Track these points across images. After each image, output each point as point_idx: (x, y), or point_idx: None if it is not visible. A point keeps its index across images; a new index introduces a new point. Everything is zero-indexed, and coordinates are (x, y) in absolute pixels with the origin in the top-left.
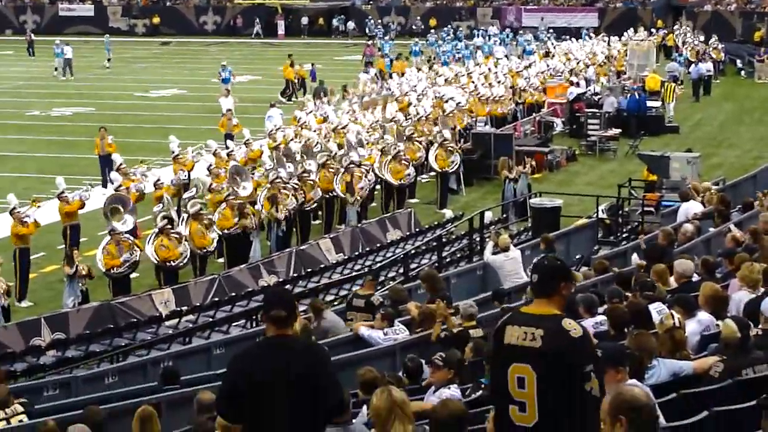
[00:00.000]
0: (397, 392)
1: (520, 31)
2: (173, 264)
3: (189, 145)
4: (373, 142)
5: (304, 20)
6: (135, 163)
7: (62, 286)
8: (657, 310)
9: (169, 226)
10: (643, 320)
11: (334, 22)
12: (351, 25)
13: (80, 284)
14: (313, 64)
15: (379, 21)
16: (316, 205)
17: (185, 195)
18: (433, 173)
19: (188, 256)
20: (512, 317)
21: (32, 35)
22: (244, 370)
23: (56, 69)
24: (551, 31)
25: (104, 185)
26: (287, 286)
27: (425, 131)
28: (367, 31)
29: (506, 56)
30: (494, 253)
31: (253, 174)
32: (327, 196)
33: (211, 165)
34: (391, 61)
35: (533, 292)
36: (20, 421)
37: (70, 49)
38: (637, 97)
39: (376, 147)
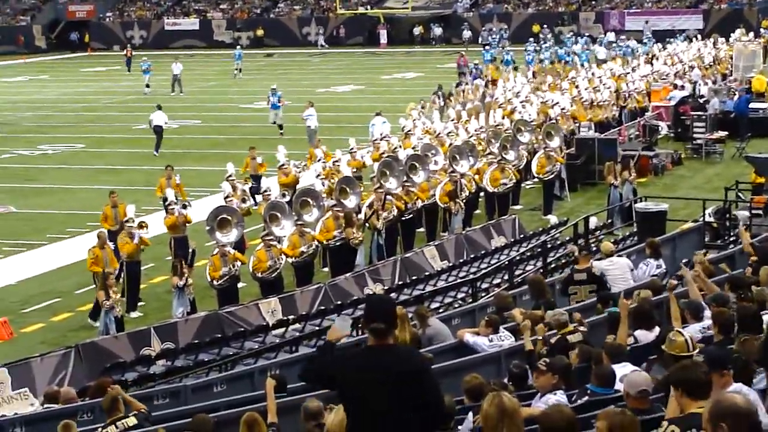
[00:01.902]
0: (508, 399)
1: (622, 36)
2: (261, 275)
3: (293, 157)
4: (481, 151)
5: (416, 30)
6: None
7: (170, 296)
8: None
9: (270, 237)
10: (752, 325)
11: (436, 30)
12: (438, 31)
13: (188, 294)
14: (274, 90)
15: (492, 28)
16: (412, 214)
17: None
18: (536, 179)
19: (278, 269)
20: None
21: (132, 51)
22: (345, 367)
23: (147, 86)
24: (649, 35)
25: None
26: (392, 294)
27: (532, 138)
28: (480, 39)
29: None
30: (598, 260)
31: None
32: (428, 203)
33: (319, 174)
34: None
35: None
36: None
37: (179, 66)
38: (744, 98)
39: (483, 155)
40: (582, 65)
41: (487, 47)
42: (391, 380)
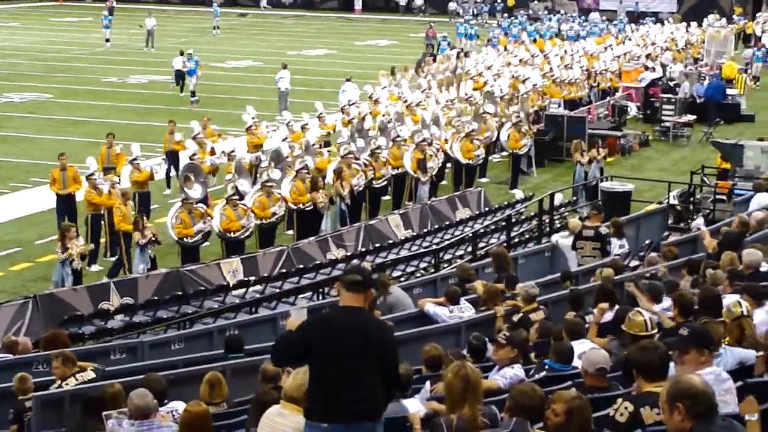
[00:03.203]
0: (472, 371)
1: (594, 14)
2: (233, 235)
3: (263, 118)
4: (448, 121)
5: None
6: (212, 133)
7: (132, 251)
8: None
9: (236, 197)
10: (712, 308)
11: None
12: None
13: (149, 251)
14: (190, 54)
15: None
16: (386, 181)
17: (262, 165)
18: (505, 153)
19: (251, 229)
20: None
21: (114, 1)
22: (319, 332)
23: (107, 40)
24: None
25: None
26: (355, 261)
27: (499, 111)
28: (460, 10)
29: (581, 37)
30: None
31: (326, 149)
32: (397, 172)
33: (285, 137)
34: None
35: None
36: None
37: (153, 21)
38: (716, 83)
39: (451, 126)
40: (551, 39)
41: (460, 20)
42: (363, 346)
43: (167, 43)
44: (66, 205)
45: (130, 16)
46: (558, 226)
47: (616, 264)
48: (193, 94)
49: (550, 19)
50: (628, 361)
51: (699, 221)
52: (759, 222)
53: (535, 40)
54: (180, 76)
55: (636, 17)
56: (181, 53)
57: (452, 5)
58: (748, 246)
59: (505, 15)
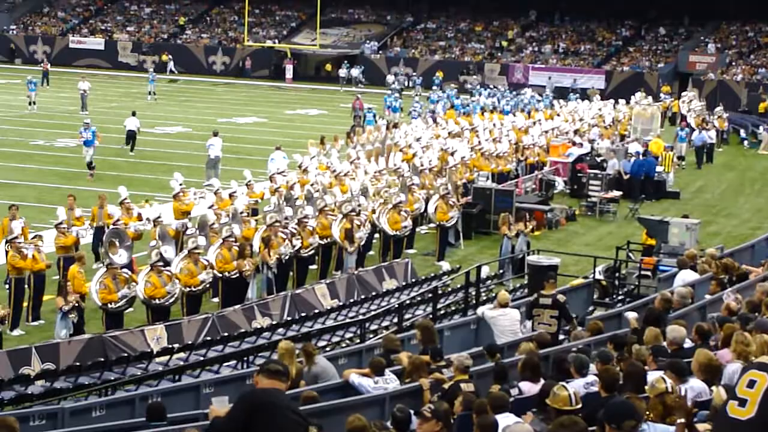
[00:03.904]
0: None
1: (524, 90)
2: (158, 302)
3: (192, 185)
4: (376, 192)
5: (343, 70)
6: (139, 199)
7: (54, 316)
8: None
9: (161, 263)
10: (636, 383)
11: (341, 71)
12: (355, 72)
13: (71, 316)
14: (87, 124)
15: (403, 73)
16: (313, 251)
17: (188, 232)
18: (432, 225)
19: (176, 295)
20: None
21: (48, 65)
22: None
23: (30, 103)
24: (548, 93)
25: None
26: (280, 330)
27: (427, 183)
28: (394, 83)
29: (511, 113)
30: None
31: (254, 217)
32: (324, 242)
33: (212, 205)
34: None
35: None
36: None
37: (86, 84)
38: (641, 160)
39: (379, 196)
40: (482, 113)
41: (390, 92)
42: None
43: (98, 107)
44: None
45: (61, 79)
46: (484, 298)
47: (542, 337)
48: (90, 165)
49: (480, 93)
50: None
51: (631, 315)
52: (682, 297)
53: (467, 114)
54: (131, 136)
55: (565, 93)
56: (133, 114)
57: (390, 78)
58: (672, 322)
59: (434, 88)
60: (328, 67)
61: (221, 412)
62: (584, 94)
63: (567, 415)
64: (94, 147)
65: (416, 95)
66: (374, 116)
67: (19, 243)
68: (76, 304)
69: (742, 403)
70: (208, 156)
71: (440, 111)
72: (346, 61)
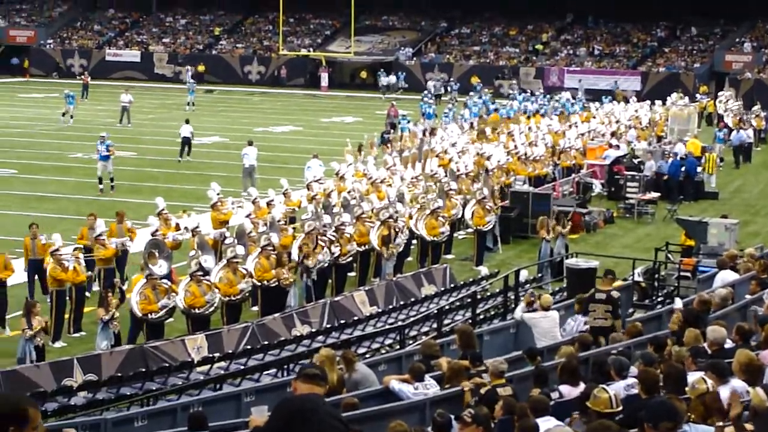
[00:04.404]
0: None
1: (559, 94)
2: (198, 311)
3: (229, 195)
4: (413, 198)
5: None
6: (177, 209)
7: (96, 328)
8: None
9: (200, 273)
10: (676, 385)
11: (383, 79)
12: (393, 79)
13: (113, 327)
14: (103, 138)
15: (441, 80)
16: (351, 258)
17: (226, 241)
18: (470, 230)
19: (215, 305)
20: None
21: (89, 78)
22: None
23: (63, 114)
24: (580, 96)
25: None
26: (320, 337)
27: (464, 188)
28: (432, 89)
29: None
30: (529, 311)
31: (291, 225)
32: (362, 249)
33: (250, 214)
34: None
35: None
36: None
37: (128, 96)
38: (678, 161)
39: (416, 203)
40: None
41: (423, 98)
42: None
43: (136, 119)
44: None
45: (98, 92)
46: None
47: (583, 339)
48: (112, 180)
49: (515, 98)
50: None
51: (678, 303)
52: (723, 299)
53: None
54: (186, 143)
55: (598, 96)
56: (187, 121)
57: (430, 84)
58: (712, 323)
59: (471, 94)
60: (363, 74)
61: (261, 421)
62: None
63: (600, 420)
64: (110, 159)
65: (451, 101)
66: (408, 122)
67: (61, 255)
68: (116, 315)
69: None
70: (243, 165)
71: (468, 117)
72: (382, 69)
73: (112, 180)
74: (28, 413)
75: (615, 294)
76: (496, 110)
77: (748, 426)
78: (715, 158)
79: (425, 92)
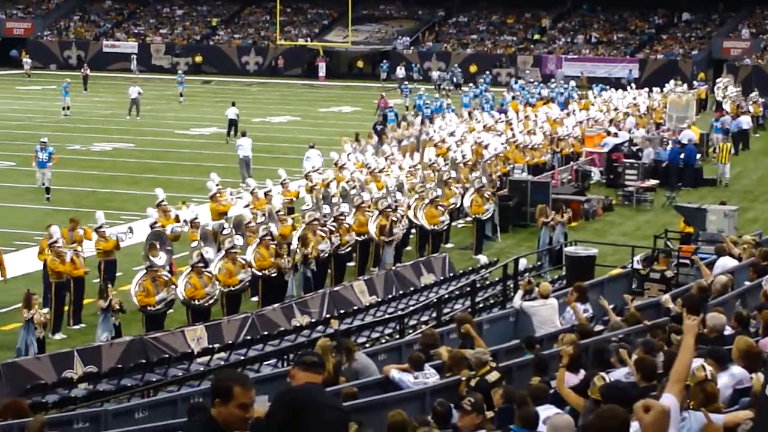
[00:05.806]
0: None
1: (554, 81)
2: (198, 303)
3: (228, 185)
4: (412, 187)
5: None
6: (176, 201)
7: (96, 319)
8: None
9: (201, 264)
10: None
11: (398, 71)
12: (402, 72)
13: (113, 318)
14: (44, 143)
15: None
16: (350, 247)
17: (225, 232)
18: (469, 219)
19: (215, 297)
20: None
21: (88, 70)
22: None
23: (63, 108)
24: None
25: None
26: (319, 327)
27: (462, 177)
28: (436, 78)
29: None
30: (529, 300)
31: (290, 215)
32: (361, 238)
33: (248, 204)
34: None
35: None
36: None
37: (137, 89)
38: (677, 148)
39: (415, 192)
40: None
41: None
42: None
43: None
44: None
45: (96, 83)
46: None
47: (584, 328)
48: (47, 191)
49: (513, 87)
50: (586, 429)
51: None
52: (723, 286)
53: (502, 106)
54: (232, 124)
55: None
56: (233, 104)
57: (435, 74)
58: (711, 310)
59: (471, 84)
60: (361, 63)
61: (261, 411)
62: (619, 84)
63: (610, 405)
64: (49, 167)
65: (445, 90)
66: (395, 115)
67: (59, 247)
68: (118, 307)
69: None
70: (237, 156)
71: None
72: (385, 61)
73: (47, 191)
74: (232, 390)
75: (669, 273)
76: (513, 98)
77: (747, 412)
78: (728, 148)
79: (436, 82)
